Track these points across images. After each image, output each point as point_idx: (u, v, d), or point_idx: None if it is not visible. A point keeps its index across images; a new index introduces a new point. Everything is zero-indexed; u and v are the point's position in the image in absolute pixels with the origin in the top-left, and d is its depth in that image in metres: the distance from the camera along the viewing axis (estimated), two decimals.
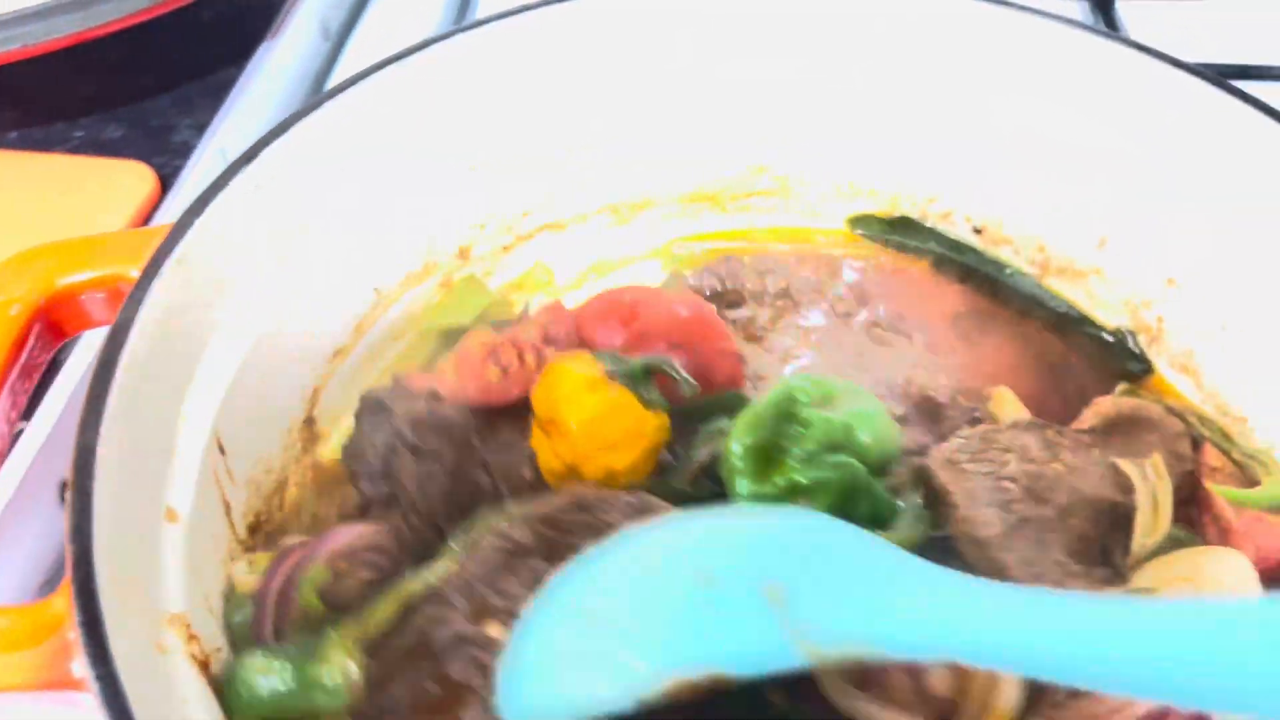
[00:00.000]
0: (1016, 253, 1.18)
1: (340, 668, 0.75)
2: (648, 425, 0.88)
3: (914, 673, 0.72)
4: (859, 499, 0.83)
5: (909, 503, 0.85)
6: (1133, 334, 1.10)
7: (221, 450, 0.87)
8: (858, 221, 1.24)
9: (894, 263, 1.21)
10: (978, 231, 1.21)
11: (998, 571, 0.79)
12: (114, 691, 0.58)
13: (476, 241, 1.15)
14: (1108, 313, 1.12)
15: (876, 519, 0.83)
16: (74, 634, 0.60)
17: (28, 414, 1.05)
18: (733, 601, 0.60)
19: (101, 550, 0.65)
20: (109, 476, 0.69)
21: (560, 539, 0.78)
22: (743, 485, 0.83)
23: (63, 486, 1.09)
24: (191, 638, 0.73)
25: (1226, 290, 1.02)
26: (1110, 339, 1.11)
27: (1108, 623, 0.52)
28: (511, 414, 0.93)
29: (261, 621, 0.80)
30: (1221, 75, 1.00)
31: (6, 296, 0.79)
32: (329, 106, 0.98)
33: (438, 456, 0.87)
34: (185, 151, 1.34)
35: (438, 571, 0.79)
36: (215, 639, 0.78)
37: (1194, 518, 0.91)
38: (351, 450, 0.92)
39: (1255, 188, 0.98)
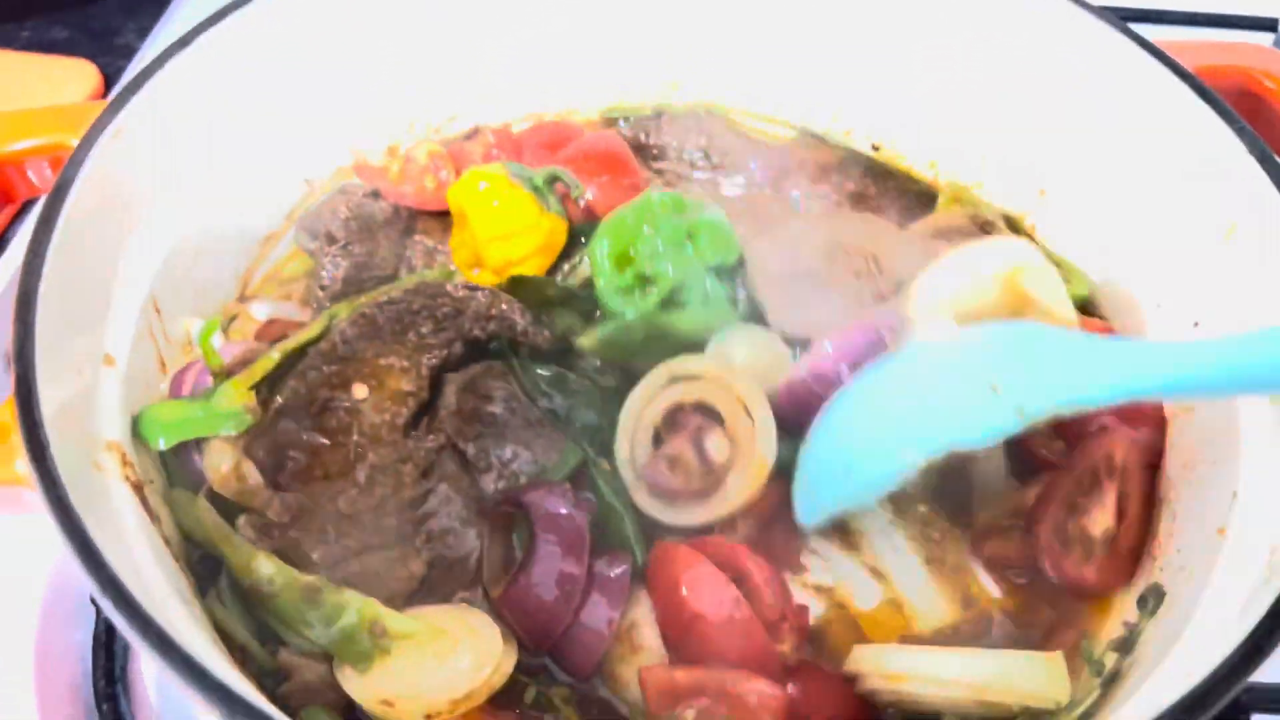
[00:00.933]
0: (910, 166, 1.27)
1: (239, 400, 0.89)
2: (542, 222, 1.06)
3: (697, 447, 0.93)
4: (693, 289, 1.02)
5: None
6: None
7: (158, 311, 0.95)
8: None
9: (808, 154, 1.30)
10: (875, 148, 1.29)
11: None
12: (52, 483, 0.67)
13: (404, 141, 1.22)
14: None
15: (711, 305, 1.02)
16: (17, 436, 0.69)
17: None
18: (968, 396, 0.82)
19: (41, 374, 0.73)
20: (49, 314, 0.77)
21: (404, 318, 0.97)
22: (602, 279, 1.02)
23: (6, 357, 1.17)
24: (126, 463, 0.82)
25: (1087, 198, 1.12)
26: None
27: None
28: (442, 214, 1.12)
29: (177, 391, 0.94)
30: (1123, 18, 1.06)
31: None
32: (264, 2, 1.04)
33: (350, 251, 1.06)
34: (128, 54, 1.40)
35: (310, 334, 0.96)
36: (149, 472, 0.87)
37: None
38: (304, 222, 1.10)
39: (1128, 114, 1.06)
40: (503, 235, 1.05)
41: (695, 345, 1.00)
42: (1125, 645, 0.86)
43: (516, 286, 1.02)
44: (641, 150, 1.24)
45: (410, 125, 1.22)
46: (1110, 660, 0.86)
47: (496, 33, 1.21)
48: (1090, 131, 1.09)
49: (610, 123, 1.28)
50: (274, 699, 0.78)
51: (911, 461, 0.82)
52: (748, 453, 0.92)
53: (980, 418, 0.81)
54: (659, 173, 1.23)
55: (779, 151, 1.27)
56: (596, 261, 1.03)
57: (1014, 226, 1.19)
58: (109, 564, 0.64)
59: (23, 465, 0.69)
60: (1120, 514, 0.93)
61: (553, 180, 1.09)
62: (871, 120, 1.28)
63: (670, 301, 1.01)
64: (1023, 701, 0.80)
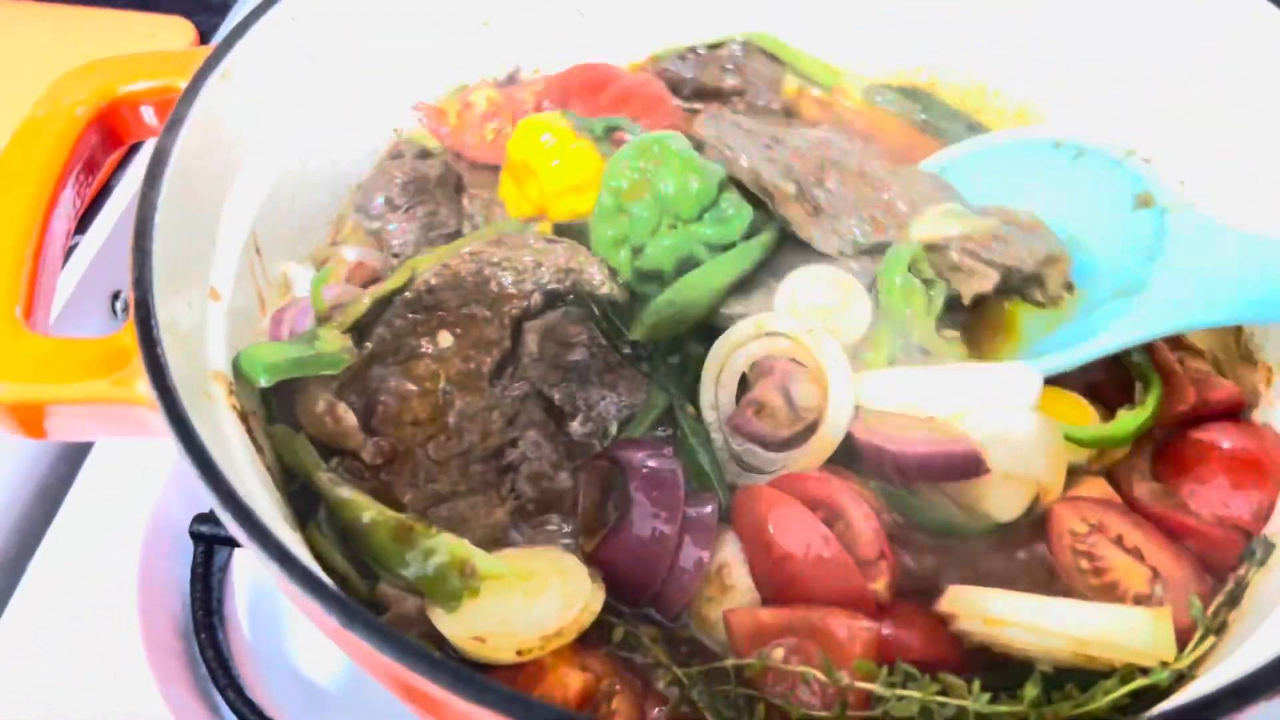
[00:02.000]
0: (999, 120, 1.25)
1: (337, 343, 0.91)
2: (594, 162, 1.04)
3: (785, 394, 0.92)
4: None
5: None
6: None
7: (258, 252, 0.97)
8: (869, 91, 1.30)
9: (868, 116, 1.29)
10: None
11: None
12: (171, 401, 0.69)
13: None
14: None
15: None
16: (138, 359, 0.71)
17: (81, 229, 1.16)
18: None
19: (158, 300, 0.75)
20: (163, 245, 0.79)
21: (485, 269, 0.98)
22: (598, 225, 1.01)
23: (114, 296, 1.21)
24: (232, 393, 0.84)
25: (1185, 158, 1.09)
26: None
27: None
28: (488, 168, 1.12)
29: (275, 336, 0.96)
30: None
31: (71, 99, 0.89)
32: None
33: (413, 214, 1.06)
34: (222, 10, 1.43)
35: (395, 283, 0.98)
36: (252, 402, 0.89)
37: None
38: (362, 191, 1.10)
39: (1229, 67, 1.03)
40: (573, 188, 1.05)
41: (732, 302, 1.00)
42: (1232, 598, 0.84)
43: (576, 234, 1.03)
44: (681, 85, 1.25)
45: (495, 77, 1.23)
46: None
47: None
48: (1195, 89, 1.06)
49: (652, 62, 1.28)
50: None
51: None
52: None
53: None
54: (695, 111, 1.22)
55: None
56: (601, 206, 1.02)
57: None
58: (229, 480, 0.66)
59: (144, 386, 0.71)
60: None
61: (612, 129, 1.08)
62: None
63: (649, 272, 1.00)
64: (1125, 659, 0.79)
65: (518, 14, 1.21)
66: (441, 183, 1.08)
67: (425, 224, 1.05)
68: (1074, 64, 1.16)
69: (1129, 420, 0.94)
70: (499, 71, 1.22)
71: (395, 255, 1.05)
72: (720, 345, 0.97)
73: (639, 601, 0.86)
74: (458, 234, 1.07)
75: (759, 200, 1.04)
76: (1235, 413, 0.97)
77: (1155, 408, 0.94)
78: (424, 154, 1.11)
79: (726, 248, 1.00)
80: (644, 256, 0.99)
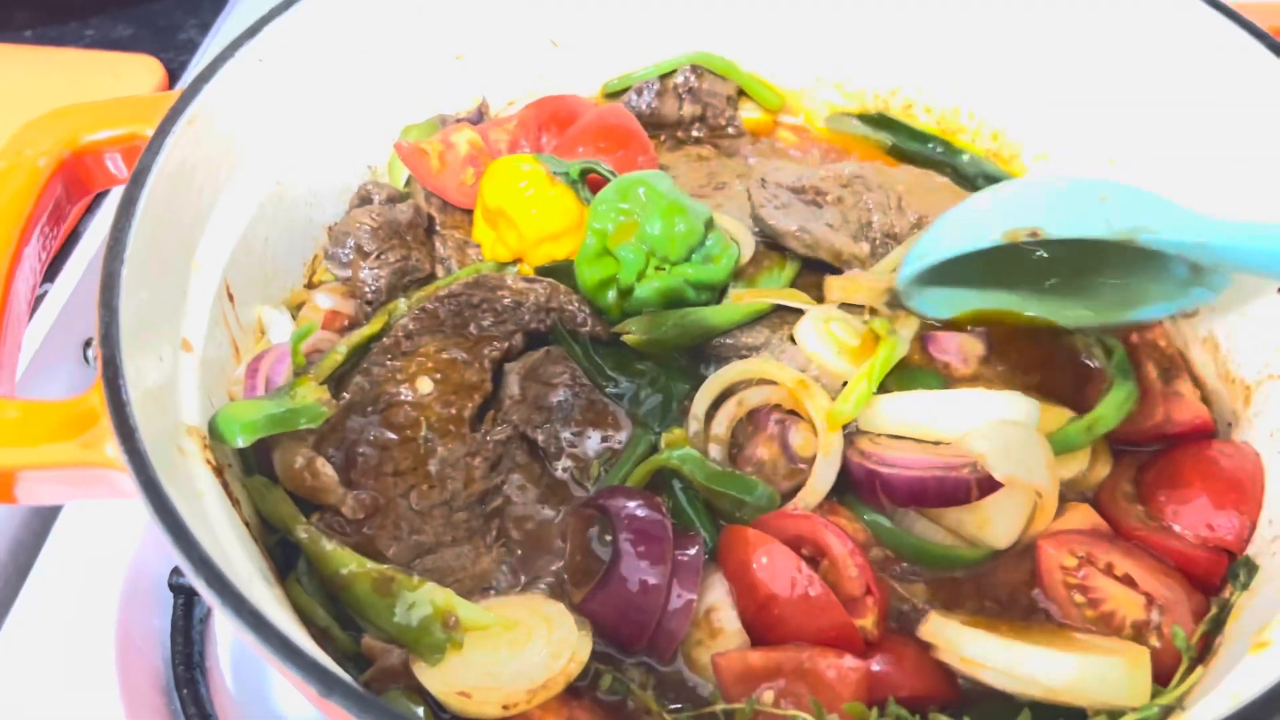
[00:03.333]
0: (973, 140, 1.25)
1: (314, 395, 0.88)
2: (584, 219, 1.02)
3: (783, 444, 0.92)
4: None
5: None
6: None
7: (231, 298, 0.96)
8: (833, 119, 1.31)
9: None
10: (937, 122, 1.28)
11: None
12: (142, 464, 0.68)
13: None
14: None
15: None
16: (107, 420, 0.70)
17: (50, 277, 1.14)
18: (1075, 198, 0.94)
19: (126, 357, 0.74)
20: (131, 299, 0.77)
21: (464, 311, 0.97)
22: (583, 268, 0.99)
23: (86, 344, 1.19)
24: (207, 446, 0.83)
25: (1158, 167, 1.10)
26: None
27: None
28: (460, 210, 1.11)
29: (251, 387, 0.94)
30: None
31: (34, 150, 0.88)
32: None
33: (385, 260, 1.03)
34: (191, 48, 1.42)
35: (372, 329, 0.96)
36: (227, 455, 0.87)
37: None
38: (331, 238, 1.07)
39: (1195, 78, 1.04)
40: (551, 236, 1.03)
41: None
42: (1217, 622, 0.83)
43: (556, 275, 1.02)
44: (649, 116, 1.26)
45: (469, 110, 1.22)
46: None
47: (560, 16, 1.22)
48: (1165, 102, 1.07)
49: (614, 95, 1.28)
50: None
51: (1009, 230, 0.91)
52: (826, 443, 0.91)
53: (1077, 216, 0.90)
54: (663, 140, 1.26)
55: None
56: (586, 249, 1.00)
57: None
58: (200, 544, 0.65)
59: (113, 448, 0.69)
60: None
61: (586, 172, 1.06)
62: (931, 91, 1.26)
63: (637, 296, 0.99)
64: (1097, 705, 0.78)
65: (491, 47, 1.20)
66: (412, 226, 1.06)
67: (398, 269, 1.03)
68: (1050, 81, 1.17)
69: (1113, 398, 0.95)
70: (470, 104, 1.22)
71: (369, 303, 1.03)
72: (712, 384, 0.96)
73: (631, 650, 0.85)
74: (431, 278, 1.06)
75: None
76: (1203, 435, 0.97)
77: (1133, 388, 0.96)
78: (393, 198, 1.09)
79: (714, 287, 1.00)
80: (633, 299, 0.98)
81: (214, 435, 0.84)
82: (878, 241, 1.10)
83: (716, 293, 1.01)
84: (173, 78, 1.38)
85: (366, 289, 1.02)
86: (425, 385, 0.93)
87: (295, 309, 1.06)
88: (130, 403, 0.70)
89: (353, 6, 1.07)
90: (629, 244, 0.98)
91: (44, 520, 1.10)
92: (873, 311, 1.04)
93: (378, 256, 1.03)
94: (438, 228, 1.09)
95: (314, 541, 0.84)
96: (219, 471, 0.83)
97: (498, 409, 0.95)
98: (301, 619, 0.81)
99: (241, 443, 0.84)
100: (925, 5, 1.20)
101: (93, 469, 0.72)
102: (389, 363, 0.94)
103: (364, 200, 1.09)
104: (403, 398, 0.93)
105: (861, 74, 1.29)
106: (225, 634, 1.05)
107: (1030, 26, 1.16)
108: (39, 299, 1.10)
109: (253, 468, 0.90)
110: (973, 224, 0.95)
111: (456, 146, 1.10)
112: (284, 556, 0.87)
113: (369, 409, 0.92)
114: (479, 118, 1.20)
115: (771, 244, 1.10)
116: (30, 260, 0.84)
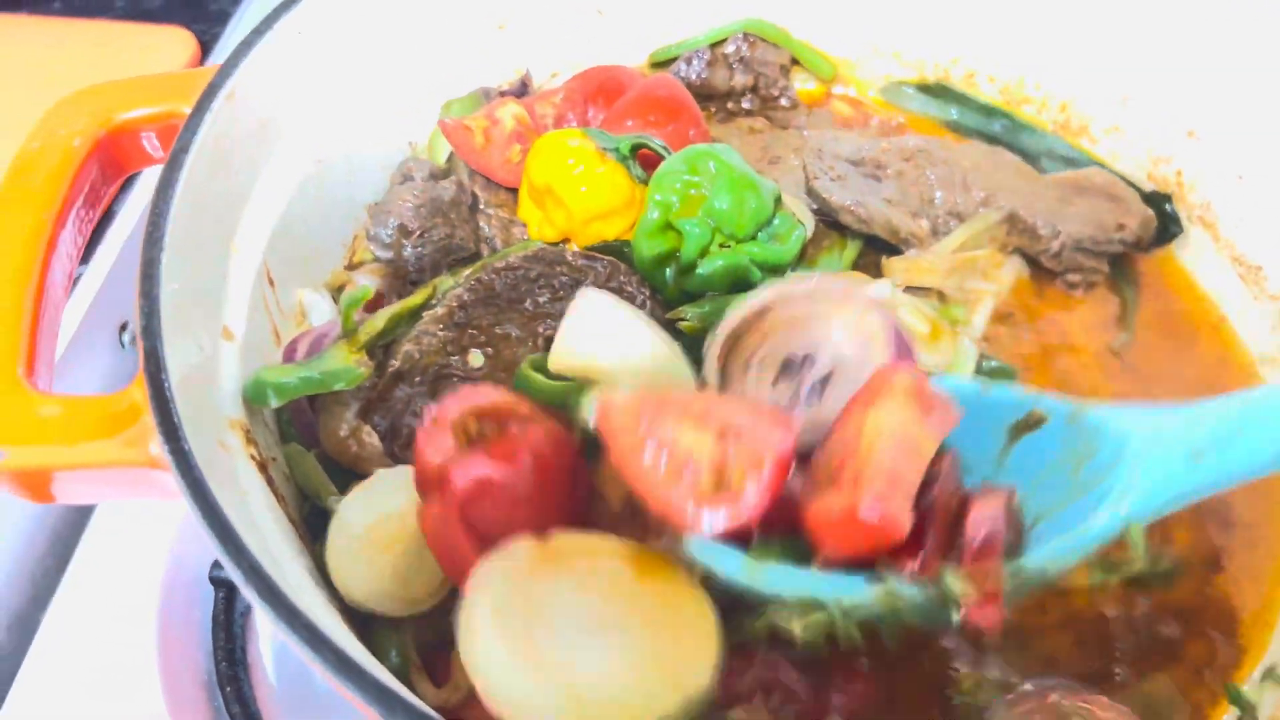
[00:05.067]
0: (1038, 112, 1.19)
1: (350, 358, 0.86)
2: (635, 197, 0.98)
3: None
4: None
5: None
6: (1167, 197, 1.11)
7: (271, 282, 0.92)
8: (889, 90, 1.25)
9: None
10: (1000, 93, 1.22)
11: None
12: (186, 464, 0.64)
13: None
14: (1130, 167, 1.14)
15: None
16: (150, 417, 0.66)
17: (85, 258, 1.10)
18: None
19: (168, 349, 0.70)
20: (171, 286, 0.73)
21: (521, 285, 0.93)
22: (642, 242, 0.94)
23: (122, 328, 1.16)
24: (250, 441, 0.79)
25: (1244, 142, 1.04)
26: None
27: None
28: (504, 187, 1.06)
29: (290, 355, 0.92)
30: None
31: (68, 129, 0.84)
32: None
33: (428, 237, 0.99)
34: (222, 19, 1.37)
35: (414, 301, 0.92)
36: (271, 449, 0.84)
37: None
38: (373, 218, 1.02)
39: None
40: (601, 215, 0.99)
41: None
42: None
43: (615, 253, 0.97)
44: (699, 86, 1.20)
45: (511, 82, 1.17)
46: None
47: None
48: (1248, 68, 1.01)
49: (661, 65, 1.23)
50: None
51: None
52: None
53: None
54: (716, 112, 1.21)
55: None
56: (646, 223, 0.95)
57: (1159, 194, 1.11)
58: (250, 551, 0.61)
59: (156, 446, 0.65)
60: None
61: (637, 148, 1.01)
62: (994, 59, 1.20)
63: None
64: None
65: (534, 15, 1.15)
66: (455, 204, 1.02)
67: (442, 247, 0.99)
68: (1121, 45, 1.10)
69: None
70: (512, 76, 1.17)
71: (413, 282, 0.99)
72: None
73: None
74: (476, 257, 1.02)
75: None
76: None
77: None
78: (435, 175, 1.05)
79: (779, 268, 0.95)
80: (694, 277, 0.93)
81: (247, 398, 0.81)
82: (940, 219, 1.05)
83: (781, 274, 0.96)
84: (205, 50, 1.34)
85: (410, 268, 0.99)
86: (477, 359, 0.90)
87: (336, 291, 1.02)
88: (174, 400, 0.66)
89: None
90: (694, 219, 0.93)
91: (82, 512, 1.07)
92: (941, 296, 0.99)
93: (421, 234, 0.99)
94: (482, 206, 1.04)
95: None
96: (263, 467, 0.79)
97: None
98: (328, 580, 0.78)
99: (274, 402, 0.82)
100: None
101: (135, 469, 0.68)
102: (440, 332, 0.90)
103: (405, 178, 1.04)
104: (452, 370, 0.89)
105: (920, 41, 1.23)
106: (266, 627, 1.02)
107: None
108: (74, 280, 1.07)
109: (290, 435, 0.88)
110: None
111: (502, 122, 1.06)
112: (321, 525, 0.83)
113: (417, 379, 0.88)
114: (522, 90, 1.15)
115: (831, 222, 1.05)
116: (66, 246, 0.80)
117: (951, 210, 1.05)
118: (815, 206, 1.05)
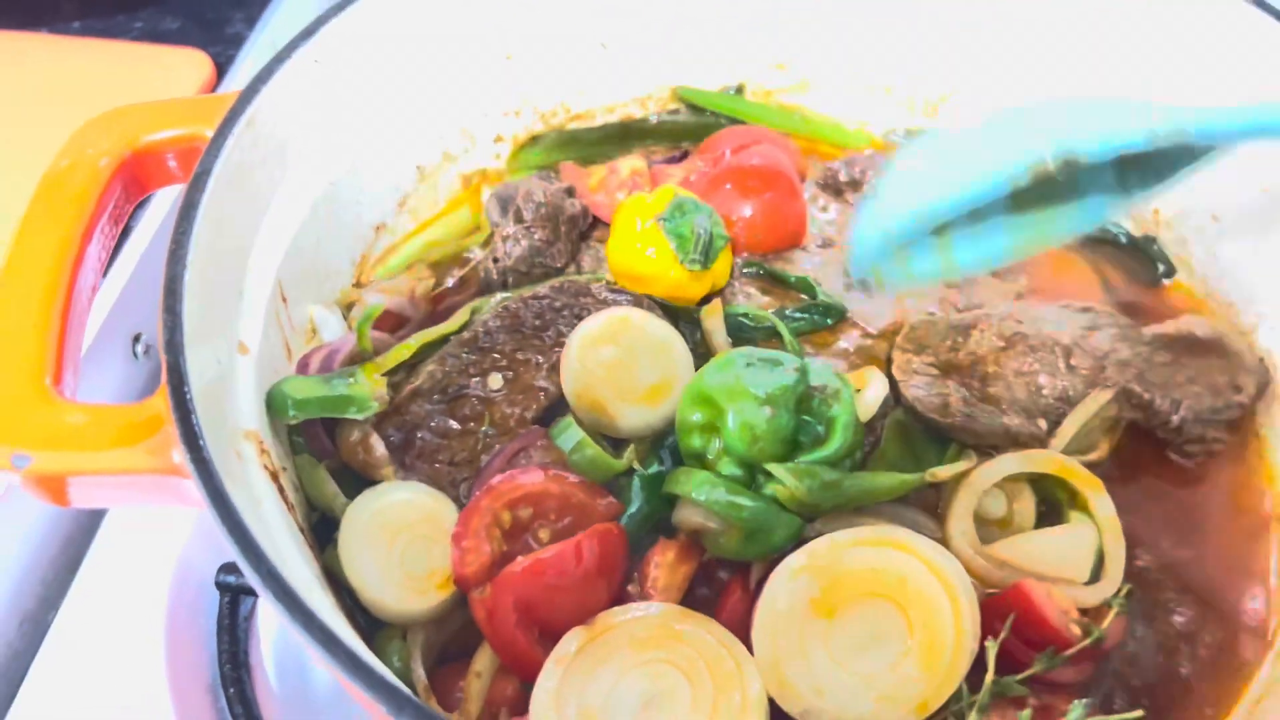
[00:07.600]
0: None
1: (373, 386, 0.91)
2: (669, 275, 1.00)
3: None
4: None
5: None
6: (1153, 239, 1.14)
7: (284, 299, 0.96)
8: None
9: None
10: None
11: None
12: (207, 472, 0.68)
13: (510, 128, 1.22)
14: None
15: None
16: (171, 427, 0.70)
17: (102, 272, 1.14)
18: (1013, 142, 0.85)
19: (189, 363, 0.74)
20: (193, 304, 0.77)
21: (546, 314, 0.98)
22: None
23: (135, 339, 1.19)
24: (263, 451, 0.83)
25: (1218, 180, 1.08)
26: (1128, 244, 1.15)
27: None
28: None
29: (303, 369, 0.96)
30: None
31: (95, 149, 0.88)
32: None
33: (531, 234, 1.05)
34: (238, 42, 1.42)
35: (451, 327, 0.98)
36: (282, 459, 0.87)
37: None
38: (504, 184, 1.12)
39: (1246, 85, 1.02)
40: (634, 278, 1.02)
41: None
42: None
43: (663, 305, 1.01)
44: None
45: (517, 112, 1.22)
46: None
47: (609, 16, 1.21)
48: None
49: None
50: None
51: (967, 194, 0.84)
52: None
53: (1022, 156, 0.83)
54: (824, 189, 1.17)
55: None
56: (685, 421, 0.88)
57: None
58: (268, 557, 0.65)
59: (178, 455, 0.69)
60: None
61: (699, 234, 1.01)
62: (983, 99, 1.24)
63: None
64: None
65: (541, 47, 1.19)
66: (572, 221, 1.08)
67: (534, 249, 1.04)
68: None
69: None
70: (518, 105, 1.21)
71: (495, 260, 1.05)
72: None
73: None
74: (561, 273, 1.06)
75: None
76: None
77: None
78: (569, 190, 1.11)
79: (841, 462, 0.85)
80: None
81: (269, 405, 0.87)
82: (1049, 406, 0.96)
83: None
84: (220, 72, 1.38)
85: (499, 248, 1.04)
86: (496, 381, 0.94)
87: (346, 308, 1.07)
88: (196, 411, 0.70)
89: (407, 7, 1.06)
90: (716, 451, 0.86)
91: (93, 518, 1.11)
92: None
93: (528, 228, 1.04)
94: (593, 236, 1.10)
95: None
96: (274, 476, 0.83)
97: (562, 414, 0.95)
98: (334, 587, 0.83)
99: (291, 418, 0.87)
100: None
101: (159, 476, 0.72)
102: (465, 355, 0.95)
103: (543, 177, 1.12)
104: (471, 391, 0.94)
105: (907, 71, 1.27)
106: (268, 631, 1.06)
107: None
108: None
109: (299, 446, 0.92)
110: (988, 159, 0.85)
111: (618, 171, 1.14)
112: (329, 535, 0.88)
113: (436, 396, 0.93)
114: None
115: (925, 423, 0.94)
116: (91, 261, 0.84)
117: (1060, 396, 0.96)
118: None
